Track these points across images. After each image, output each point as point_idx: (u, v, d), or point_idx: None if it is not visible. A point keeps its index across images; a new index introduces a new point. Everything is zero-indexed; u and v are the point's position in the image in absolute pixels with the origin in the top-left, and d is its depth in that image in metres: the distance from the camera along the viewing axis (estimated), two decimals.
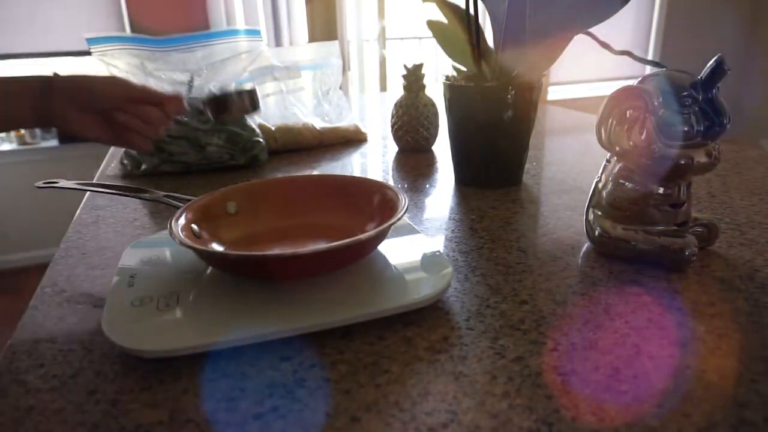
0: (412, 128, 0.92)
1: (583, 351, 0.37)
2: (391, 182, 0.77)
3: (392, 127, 0.94)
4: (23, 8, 2.32)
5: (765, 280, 0.45)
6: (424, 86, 0.93)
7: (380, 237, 0.45)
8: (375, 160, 0.91)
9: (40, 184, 0.59)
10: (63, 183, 0.59)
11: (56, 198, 2.44)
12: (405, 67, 0.92)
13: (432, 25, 0.75)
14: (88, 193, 0.75)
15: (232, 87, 0.89)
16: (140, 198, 0.63)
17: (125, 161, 0.84)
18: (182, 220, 0.46)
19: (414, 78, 0.91)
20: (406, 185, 0.76)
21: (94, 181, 0.68)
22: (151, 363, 0.36)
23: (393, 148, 0.97)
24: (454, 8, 0.73)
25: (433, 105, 0.93)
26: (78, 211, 0.69)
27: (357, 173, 0.84)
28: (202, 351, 0.36)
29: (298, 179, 0.58)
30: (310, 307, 0.40)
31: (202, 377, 0.35)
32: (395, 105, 0.93)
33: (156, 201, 0.62)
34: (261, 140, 0.87)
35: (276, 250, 0.49)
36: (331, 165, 0.88)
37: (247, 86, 0.68)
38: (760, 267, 0.48)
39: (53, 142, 2.53)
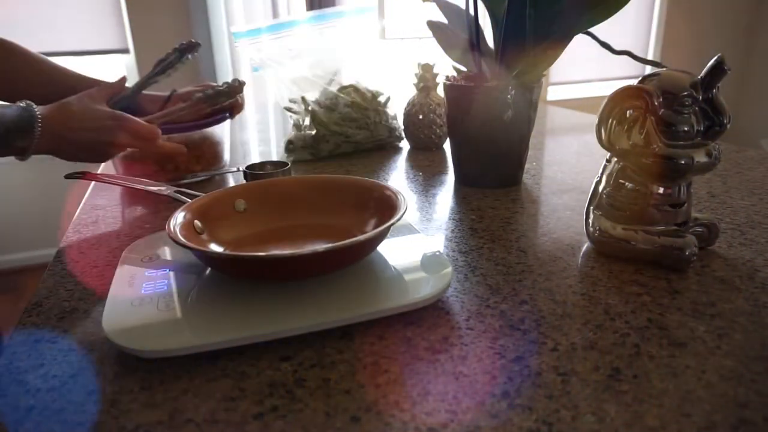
0: (425, 126, 0.93)
1: (583, 351, 0.37)
2: (391, 182, 0.77)
3: (404, 125, 0.96)
4: (23, 8, 2.32)
5: (765, 280, 0.45)
6: (435, 85, 0.94)
7: (379, 238, 0.45)
8: (377, 160, 0.90)
9: (69, 174, 0.65)
10: (89, 175, 0.66)
11: (56, 198, 2.44)
12: (418, 65, 0.93)
13: (432, 25, 0.75)
14: (88, 193, 0.76)
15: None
16: (152, 191, 0.64)
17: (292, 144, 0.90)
18: (181, 220, 0.46)
19: (425, 77, 0.93)
20: (406, 185, 0.76)
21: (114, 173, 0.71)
22: (151, 363, 0.36)
23: (398, 147, 0.97)
24: (454, 8, 0.74)
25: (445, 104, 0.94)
26: (78, 211, 0.69)
27: (358, 173, 0.84)
28: (202, 351, 0.36)
29: (298, 180, 0.58)
30: (310, 307, 0.40)
31: (202, 377, 0.35)
32: (407, 104, 0.95)
33: (168, 196, 0.62)
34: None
35: (276, 251, 0.49)
36: (335, 163, 0.88)
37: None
38: (760, 267, 0.48)
39: None
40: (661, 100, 0.45)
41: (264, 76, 0.94)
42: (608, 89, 0.50)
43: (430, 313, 0.42)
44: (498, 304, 0.43)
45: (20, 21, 2.33)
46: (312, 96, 0.93)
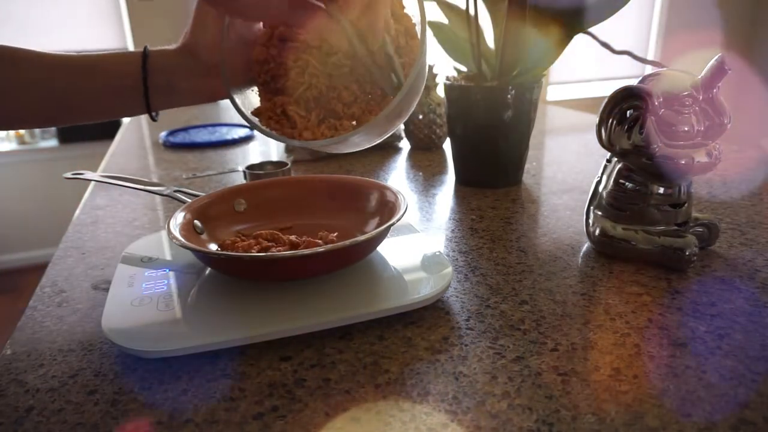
0: (424, 126, 0.93)
1: (583, 351, 0.36)
2: (391, 182, 0.77)
3: (404, 125, 0.96)
4: (23, 8, 2.32)
5: (765, 280, 0.45)
6: (435, 85, 0.94)
7: (379, 238, 0.45)
8: (377, 160, 0.91)
9: (69, 175, 0.63)
10: (89, 175, 0.64)
11: (56, 198, 2.44)
12: None
13: (432, 25, 0.75)
14: (87, 193, 0.76)
15: None
16: (153, 192, 0.64)
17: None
18: (181, 220, 0.46)
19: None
20: (406, 185, 0.76)
21: (114, 174, 0.70)
22: (151, 363, 0.36)
23: (398, 147, 0.97)
24: (454, 8, 0.73)
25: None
26: (77, 211, 0.69)
27: (358, 173, 0.84)
28: (202, 351, 0.36)
29: (298, 179, 0.57)
30: (310, 307, 0.40)
31: (202, 377, 0.35)
32: None
33: (168, 196, 0.62)
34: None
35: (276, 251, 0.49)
36: (334, 163, 0.88)
37: None
38: (760, 267, 0.48)
39: (53, 142, 2.53)
40: (661, 100, 0.45)
41: None
42: (608, 89, 0.50)
43: (430, 313, 0.41)
44: (498, 304, 0.43)
45: (19, 20, 2.33)
46: None
